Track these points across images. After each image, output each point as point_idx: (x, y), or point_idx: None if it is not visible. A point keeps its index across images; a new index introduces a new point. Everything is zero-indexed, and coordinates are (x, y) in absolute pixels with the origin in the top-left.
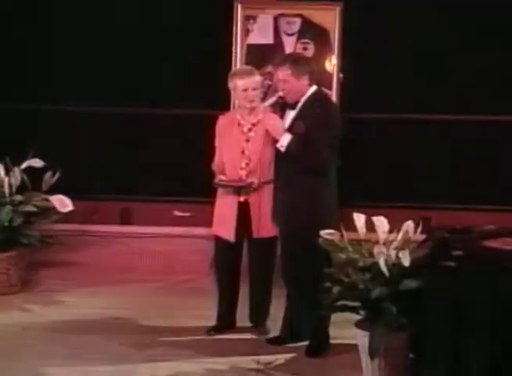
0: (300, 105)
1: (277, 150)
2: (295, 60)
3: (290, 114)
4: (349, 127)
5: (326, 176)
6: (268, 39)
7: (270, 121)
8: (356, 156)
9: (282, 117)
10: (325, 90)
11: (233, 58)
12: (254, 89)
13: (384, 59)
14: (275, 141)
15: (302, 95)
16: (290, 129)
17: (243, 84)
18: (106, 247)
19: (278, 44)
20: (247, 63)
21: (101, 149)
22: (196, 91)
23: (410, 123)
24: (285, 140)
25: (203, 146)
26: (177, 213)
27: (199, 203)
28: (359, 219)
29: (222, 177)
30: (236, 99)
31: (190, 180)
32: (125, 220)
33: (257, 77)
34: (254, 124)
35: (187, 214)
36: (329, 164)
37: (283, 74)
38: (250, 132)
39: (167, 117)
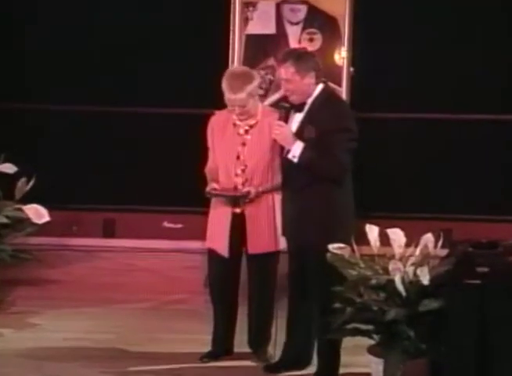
0: (307, 107)
1: (284, 159)
2: (298, 56)
3: (297, 118)
4: (360, 128)
5: (343, 184)
6: (270, 29)
7: (276, 129)
8: (367, 161)
9: (286, 120)
10: (332, 86)
11: (230, 50)
12: (243, 106)
13: (400, 50)
14: (282, 148)
15: (309, 96)
16: (298, 135)
17: (229, 102)
18: (87, 263)
19: (281, 34)
20: (246, 56)
21: (82, 153)
22: (186, 88)
23: (429, 123)
24: (297, 149)
25: (196, 149)
26: (167, 225)
27: (191, 213)
28: (372, 232)
29: (215, 185)
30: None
31: (182, 188)
32: (109, 232)
33: (247, 91)
34: (251, 126)
35: (178, 225)
36: (348, 171)
37: (286, 72)
38: (247, 135)
39: (156, 116)
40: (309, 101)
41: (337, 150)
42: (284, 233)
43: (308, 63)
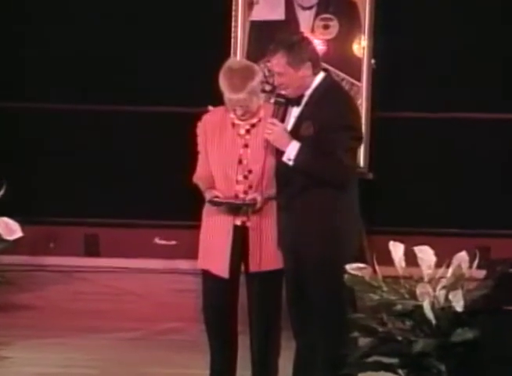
0: (305, 100)
1: (279, 162)
2: (291, 45)
3: (294, 112)
4: (382, 129)
5: (346, 190)
6: (279, 14)
7: (268, 128)
8: (390, 166)
9: (283, 117)
10: (351, 81)
11: (232, 39)
12: (242, 106)
13: (429, 39)
14: (276, 149)
15: (306, 88)
16: (294, 132)
17: (229, 102)
18: (65, 286)
19: (291, 20)
20: (251, 46)
21: (60, 158)
22: (179, 83)
23: (461, 124)
24: (292, 151)
25: (193, 154)
26: (158, 241)
27: (186, 228)
28: (397, 250)
29: (217, 193)
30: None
31: (176, 199)
32: (91, 250)
33: (249, 89)
34: (253, 125)
35: (171, 242)
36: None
37: (278, 64)
38: (249, 135)
39: (144, 115)
40: (307, 93)
41: (339, 150)
42: (279, 244)
43: (302, 52)
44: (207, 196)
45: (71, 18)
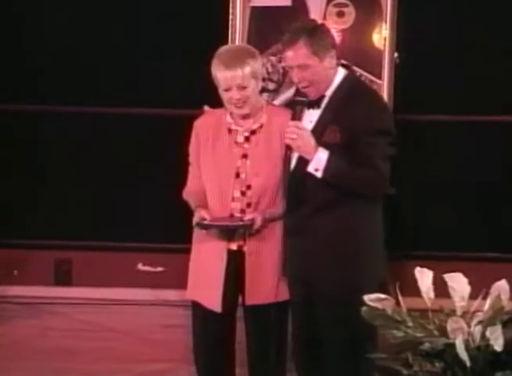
0: (326, 100)
1: (295, 173)
2: (312, 31)
3: (310, 116)
4: (404, 133)
5: (375, 205)
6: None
7: (292, 132)
8: (415, 179)
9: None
10: (369, 77)
11: (229, 28)
12: (242, 88)
13: (462, 31)
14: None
15: (328, 86)
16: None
17: (224, 81)
18: (32, 321)
19: (298, 7)
20: (251, 37)
21: (27, 169)
22: (166, 81)
23: (494, 129)
24: (320, 160)
25: (182, 165)
26: (142, 268)
27: (174, 252)
28: (424, 277)
29: (205, 214)
30: (222, 98)
31: (161, 218)
32: (62, 279)
33: (248, 68)
34: (253, 132)
35: (157, 269)
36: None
37: (298, 55)
38: (249, 143)
39: (124, 119)
40: (328, 93)
41: (376, 157)
42: (286, 271)
43: (325, 38)
44: (194, 217)
45: (66, 18)
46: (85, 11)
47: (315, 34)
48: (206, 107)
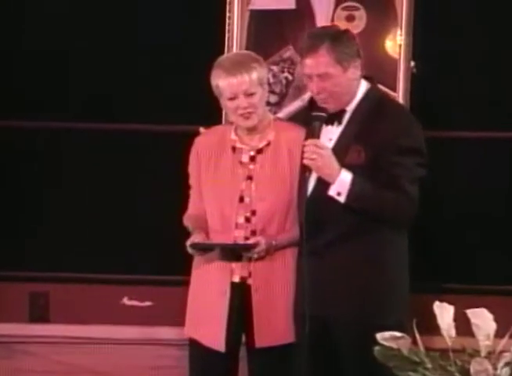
0: (348, 115)
1: (313, 197)
2: (335, 37)
3: (330, 133)
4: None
5: (401, 233)
6: (287, 1)
7: (312, 151)
8: (435, 202)
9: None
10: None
11: (226, 35)
12: (250, 95)
13: (487, 37)
14: (301, 180)
15: (352, 98)
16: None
17: (229, 89)
18: (4, 361)
19: (304, 10)
20: (250, 43)
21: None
22: (156, 93)
23: None
24: (344, 183)
25: (173, 186)
26: (127, 302)
27: (165, 284)
28: (444, 313)
29: (199, 236)
30: (225, 110)
31: (151, 246)
32: (38, 315)
33: (255, 74)
34: (259, 151)
35: (145, 303)
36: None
37: (319, 64)
38: (254, 164)
39: (112, 133)
40: (350, 107)
41: (404, 179)
42: (301, 306)
43: (350, 45)
44: (189, 240)
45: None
46: (77, 22)
47: (340, 40)
48: (202, 129)
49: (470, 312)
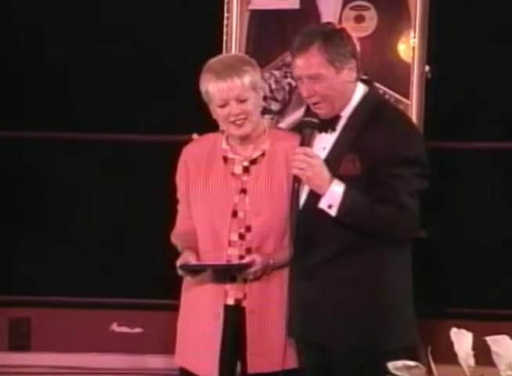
0: (342, 123)
1: (304, 210)
2: (328, 35)
3: (324, 141)
4: (437, 163)
5: (403, 250)
6: (291, 1)
7: (301, 160)
8: (451, 220)
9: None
10: (394, 95)
11: (224, 37)
12: (242, 100)
13: (504, 38)
14: (293, 192)
15: (347, 103)
16: (328, 169)
17: (219, 94)
18: None
19: (308, 9)
20: (250, 46)
21: None
22: (151, 101)
23: None
24: (335, 195)
25: (163, 202)
26: (116, 328)
27: (155, 309)
28: (462, 340)
29: (191, 256)
30: (216, 118)
31: (139, 267)
32: (19, 342)
33: (247, 77)
34: (254, 161)
35: (135, 330)
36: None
37: (310, 64)
38: (248, 175)
39: (99, 144)
40: (345, 113)
41: (402, 192)
42: (291, 332)
43: (344, 45)
44: (178, 260)
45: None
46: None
47: (333, 39)
48: (195, 135)
49: (490, 340)
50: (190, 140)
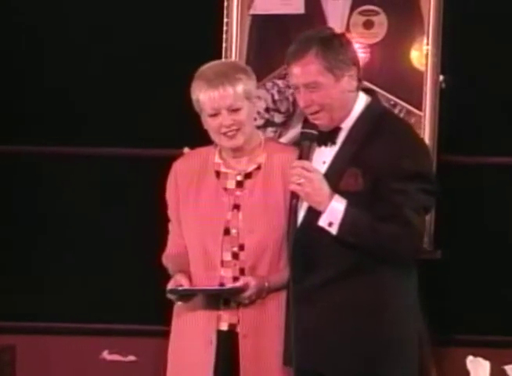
0: (343, 135)
1: (303, 228)
2: (326, 40)
3: (324, 154)
4: (452, 179)
5: (410, 272)
6: (295, 6)
7: (299, 175)
8: (466, 240)
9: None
10: (407, 107)
11: (224, 44)
12: (234, 110)
13: None
14: (290, 208)
15: (348, 114)
16: (328, 184)
17: (210, 103)
18: None
19: (313, 14)
20: (251, 54)
21: None
22: (133, 114)
23: None
24: (336, 212)
25: (154, 221)
26: (108, 356)
27: (149, 335)
28: (479, 369)
29: (183, 280)
30: (207, 128)
31: (131, 291)
32: (2, 371)
33: (240, 86)
34: (248, 175)
35: (128, 358)
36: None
37: (307, 71)
38: (242, 190)
39: (86, 159)
40: (346, 125)
41: (407, 208)
42: (288, 359)
43: (344, 51)
44: (169, 284)
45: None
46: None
47: (331, 44)
48: (186, 149)
49: (508, 368)
50: (181, 154)
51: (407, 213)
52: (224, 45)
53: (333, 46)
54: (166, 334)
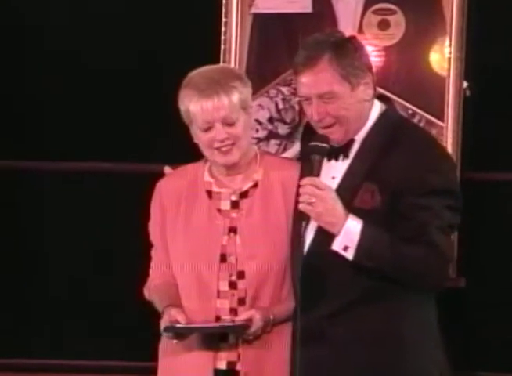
0: (355, 148)
1: (315, 253)
2: (339, 46)
3: (335, 169)
4: (477, 197)
5: (428, 300)
6: (302, 4)
7: (309, 193)
8: (493, 266)
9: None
10: (426, 116)
11: (222, 46)
12: (229, 123)
13: None
14: (295, 227)
15: (362, 124)
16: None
17: (203, 115)
18: None
19: (322, 14)
20: (253, 57)
21: None
22: (132, 122)
23: None
24: (351, 234)
25: (135, 246)
26: None
27: (138, 373)
28: None
29: (179, 316)
30: (197, 142)
31: (121, 325)
32: None
33: (236, 95)
34: (244, 194)
35: None
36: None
37: (319, 80)
38: (238, 211)
39: (71, 175)
40: (359, 136)
41: (431, 228)
42: None
43: (358, 57)
44: (162, 321)
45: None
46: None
47: (345, 49)
48: (167, 168)
49: None
50: (161, 173)
51: (433, 233)
52: (222, 47)
53: (348, 51)
54: (151, 371)
